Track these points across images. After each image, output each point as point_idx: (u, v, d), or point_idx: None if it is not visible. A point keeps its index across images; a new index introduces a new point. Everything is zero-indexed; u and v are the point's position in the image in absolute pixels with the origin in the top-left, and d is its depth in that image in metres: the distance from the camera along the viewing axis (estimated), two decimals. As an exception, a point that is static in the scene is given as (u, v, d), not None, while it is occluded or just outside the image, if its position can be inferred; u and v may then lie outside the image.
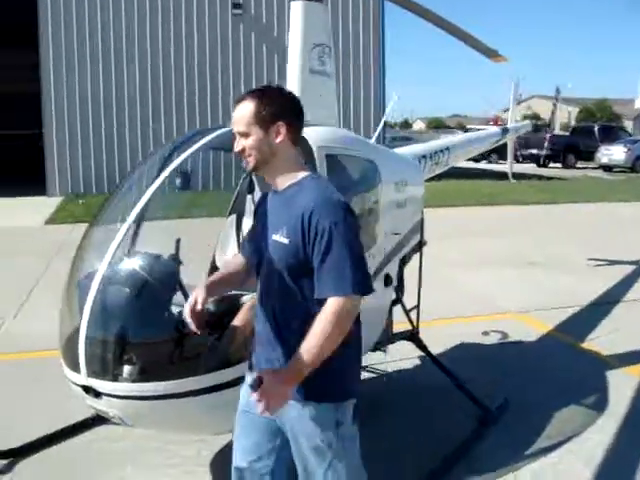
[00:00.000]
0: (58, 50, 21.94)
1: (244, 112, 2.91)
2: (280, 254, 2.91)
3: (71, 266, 4.38)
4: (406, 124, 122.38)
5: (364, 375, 6.25)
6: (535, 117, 65.04)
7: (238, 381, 3.91)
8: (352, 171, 4.94)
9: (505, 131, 9.28)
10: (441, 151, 7.07)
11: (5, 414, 5.65)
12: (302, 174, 2.99)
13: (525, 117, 59.91)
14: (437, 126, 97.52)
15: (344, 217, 2.81)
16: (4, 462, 4.87)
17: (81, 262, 4.32)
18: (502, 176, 24.46)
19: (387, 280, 5.09)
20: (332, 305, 2.77)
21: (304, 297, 2.92)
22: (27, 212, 17.56)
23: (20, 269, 10.90)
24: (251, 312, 4.26)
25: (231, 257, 3.97)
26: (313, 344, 2.75)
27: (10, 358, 6.98)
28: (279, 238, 2.91)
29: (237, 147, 2.96)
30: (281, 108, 2.93)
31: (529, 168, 33.55)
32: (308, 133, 4.46)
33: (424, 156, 6.67)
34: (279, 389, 2.72)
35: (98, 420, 5.04)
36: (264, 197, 3.25)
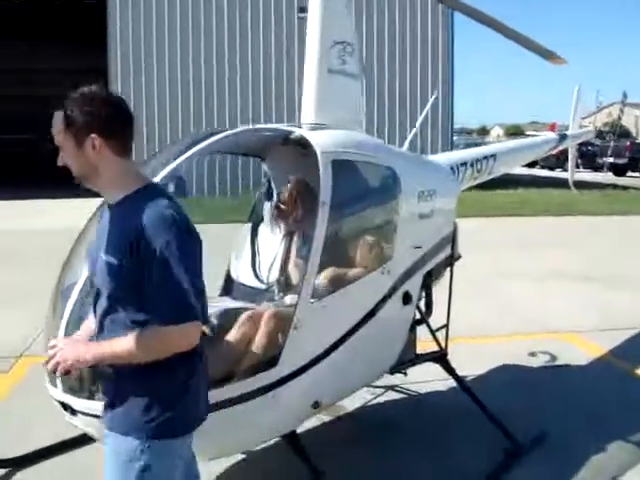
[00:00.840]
0: (126, 55, 22.27)
1: (56, 122, 2.58)
2: (108, 276, 2.57)
3: (60, 272, 4.16)
4: (484, 131, 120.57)
5: (391, 396, 5.94)
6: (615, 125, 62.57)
7: (229, 402, 3.62)
8: (365, 179, 4.56)
9: (563, 138, 8.68)
10: (485, 158, 6.56)
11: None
12: (135, 186, 2.62)
13: (605, 124, 57.96)
14: (515, 133, 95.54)
15: (178, 235, 2.48)
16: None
17: (68, 269, 4.09)
18: (576, 185, 23.60)
19: (406, 298, 4.67)
20: (159, 330, 2.49)
21: (134, 323, 2.56)
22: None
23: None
24: (247, 326, 3.97)
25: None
26: (124, 346, 2.52)
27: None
28: (108, 258, 2.55)
29: (59, 160, 2.64)
30: (95, 118, 2.54)
31: (605, 177, 32.23)
32: (313, 138, 4.13)
33: (464, 163, 6.19)
34: (72, 349, 2.60)
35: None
36: (102, 210, 2.91)
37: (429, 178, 5.15)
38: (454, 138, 36.21)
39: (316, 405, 4.01)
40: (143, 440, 2.57)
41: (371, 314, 4.30)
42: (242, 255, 5.27)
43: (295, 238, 4.79)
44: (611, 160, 36.03)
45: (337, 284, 4.12)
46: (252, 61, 23.07)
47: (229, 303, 4.77)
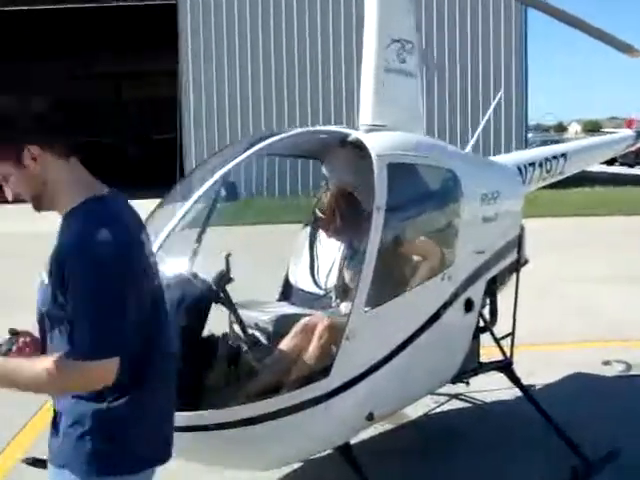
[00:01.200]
0: (197, 58, 22.60)
1: None
2: (42, 297, 2.32)
3: None
4: (560, 127, 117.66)
5: (455, 405, 5.75)
6: None
7: (281, 413, 3.54)
8: (423, 182, 4.40)
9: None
10: (555, 158, 6.27)
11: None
12: (81, 197, 2.30)
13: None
14: (593, 129, 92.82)
15: (98, 262, 2.14)
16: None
17: None
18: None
19: (468, 305, 4.49)
20: (65, 363, 2.18)
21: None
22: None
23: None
24: (300, 337, 3.89)
25: None
26: (25, 372, 2.23)
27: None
28: (41, 274, 2.30)
29: (8, 196, 2.32)
30: (23, 128, 2.24)
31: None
32: (368, 140, 4.01)
33: (532, 164, 5.93)
34: None
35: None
36: None
37: (492, 180, 4.94)
38: (530, 135, 35.41)
39: (370, 417, 3.87)
40: (77, 475, 2.30)
41: (430, 322, 4.14)
42: (301, 260, 5.19)
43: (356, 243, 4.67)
44: None
45: (393, 292, 3.98)
46: (322, 59, 23.03)
47: (287, 309, 4.72)
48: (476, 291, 4.62)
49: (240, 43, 22.89)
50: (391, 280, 4.05)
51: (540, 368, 6.32)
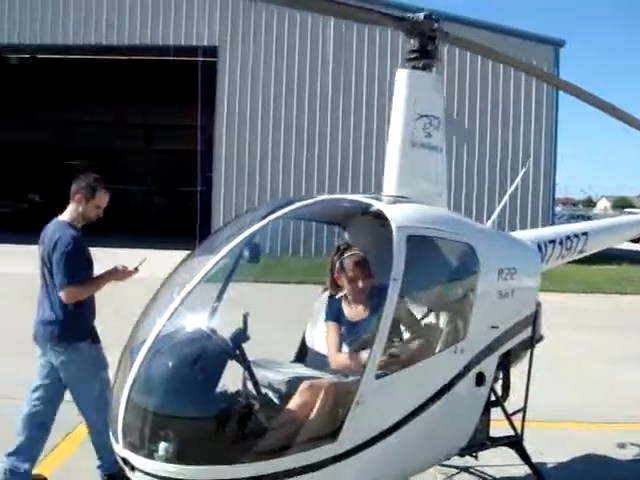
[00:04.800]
0: (232, 114, 23.15)
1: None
2: None
3: (133, 328, 4.28)
4: (589, 202, 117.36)
5: (463, 478, 5.72)
6: None
7: (285, 474, 3.58)
8: (441, 255, 4.49)
9: (668, 217, 8.29)
10: (576, 236, 6.35)
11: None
12: None
13: None
14: (623, 205, 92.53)
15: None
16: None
17: (141, 326, 4.21)
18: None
19: (479, 379, 4.53)
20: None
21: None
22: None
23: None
24: (306, 396, 3.93)
25: None
26: None
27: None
28: None
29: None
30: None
31: None
32: (390, 211, 4.13)
33: (552, 241, 6.01)
34: None
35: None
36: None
37: (510, 256, 5.02)
38: (558, 209, 35.32)
39: None
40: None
41: (440, 394, 4.17)
42: (318, 323, 5.26)
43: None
44: None
45: (404, 361, 4.04)
46: (342, 131, 23.42)
47: (301, 370, 4.75)
48: (488, 365, 4.65)
49: (275, 105, 23.39)
50: (403, 350, 4.10)
51: (554, 446, 6.27)
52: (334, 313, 4.67)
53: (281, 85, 23.34)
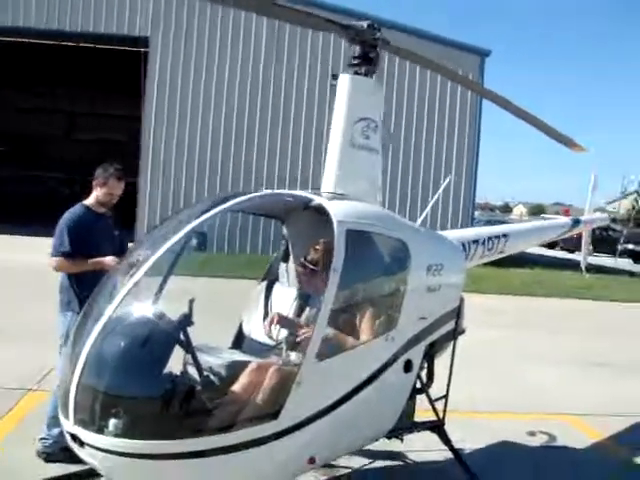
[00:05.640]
0: (161, 105, 23.03)
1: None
2: None
3: (84, 308, 4.44)
4: (506, 208, 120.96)
5: (388, 462, 6.05)
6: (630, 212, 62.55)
7: (228, 449, 3.81)
8: (377, 249, 4.80)
9: (576, 222, 8.89)
10: (497, 237, 6.78)
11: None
12: None
13: (630, 210, 58.36)
14: (538, 212, 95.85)
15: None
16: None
17: (92, 306, 4.37)
18: (592, 270, 23.59)
19: (407, 366, 4.86)
20: None
21: None
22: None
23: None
24: (251, 377, 4.17)
25: None
26: None
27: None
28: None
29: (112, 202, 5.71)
30: None
31: (625, 263, 32.25)
32: (332, 207, 4.39)
33: (475, 241, 6.42)
34: None
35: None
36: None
37: (439, 253, 5.37)
38: (477, 213, 36.40)
39: (312, 461, 4.18)
40: None
41: (372, 378, 4.48)
42: (255, 311, 5.50)
43: (309, 299, 5.02)
44: (630, 247, 36.06)
45: (341, 347, 4.33)
46: (283, 121, 23.63)
47: (236, 356, 4.97)
48: (416, 354, 4.99)
49: (205, 96, 23.37)
50: (341, 336, 4.38)
51: (471, 432, 6.68)
52: None
53: (212, 76, 23.30)
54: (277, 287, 5.54)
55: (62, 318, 5.69)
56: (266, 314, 5.39)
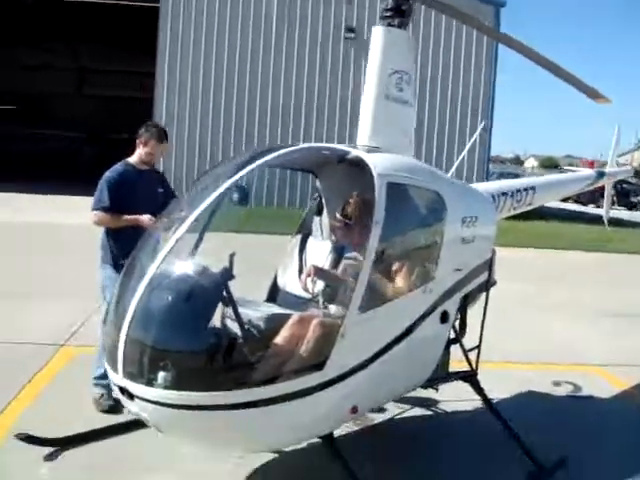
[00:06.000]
0: (173, 61, 22.85)
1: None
2: None
3: (126, 265, 4.50)
4: (517, 161, 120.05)
5: (418, 412, 6.17)
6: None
7: (274, 400, 3.89)
8: (415, 202, 4.82)
9: (601, 175, 8.84)
10: (525, 190, 6.80)
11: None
12: None
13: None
14: (549, 165, 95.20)
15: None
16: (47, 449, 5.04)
17: (133, 264, 4.42)
18: (609, 222, 23.48)
19: (444, 317, 4.92)
20: None
21: None
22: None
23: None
24: (293, 329, 4.24)
25: None
26: None
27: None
28: None
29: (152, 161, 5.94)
30: None
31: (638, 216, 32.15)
32: (371, 160, 4.41)
33: (504, 193, 6.43)
34: None
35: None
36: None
37: (472, 205, 5.39)
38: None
39: (354, 410, 4.27)
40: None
41: (411, 329, 4.55)
42: (290, 265, 5.55)
43: (344, 252, 5.06)
44: (640, 199, 35.91)
45: (382, 299, 4.38)
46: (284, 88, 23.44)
47: (275, 309, 5.05)
48: (451, 305, 5.05)
49: (217, 52, 23.16)
50: (382, 288, 4.44)
51: (496, 383, 6.77)
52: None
53: (224, 34, 23.08)
54: (311, 241, 5.58)
55: (101, 271, 5.89)
56: (301, 268, 5.45)
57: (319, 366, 3.98)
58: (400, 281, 4.55)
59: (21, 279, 10.37)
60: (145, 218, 5.56)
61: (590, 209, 35.09)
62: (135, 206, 5.66)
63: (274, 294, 5.59)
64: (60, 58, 35.35)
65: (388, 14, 5.09)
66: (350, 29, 23.10)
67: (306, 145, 4.93)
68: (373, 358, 4.26)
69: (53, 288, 9.90)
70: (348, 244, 4.93)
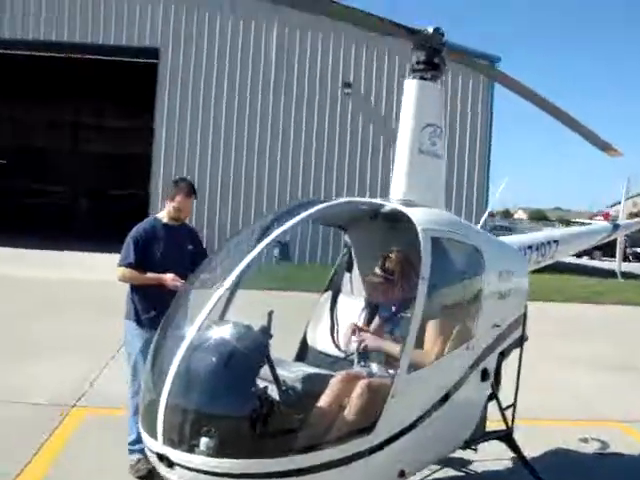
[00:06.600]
0: (172, 118, 22.93)
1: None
2: None
3: (161, 327, 4.33)
4: (507, 213, 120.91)
5: (452, 473, 5.95)
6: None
7: (325, 467, 3.70)
8: (456, 257, 4.72)
9: (616, 227, 8.82)
10: (549, 243, 6.73)
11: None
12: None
13: (631, 215, 58.21)
14: (539, 218, 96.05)
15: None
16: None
17: (171, 325, 4.27)
18: (606, 274, 23.45)
19: (484, 375, 4.78)
20: None
21: None
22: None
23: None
24: (337, 390, 4.07)
25: None
26: None
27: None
28: None
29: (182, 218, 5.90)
30: None
31: (636, 267, 32.16)
32: (414, 214, 4.32)
33: (530, 247, 6.36)
34: None
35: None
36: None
37: (507, 259, 5.31)
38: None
39: (402, 474, 4.09)
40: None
41: (456, 388, 4.41)
42: (320, 323, 5.40)
43: (380, 309, 4.93)
44: (638, 250, 36.04)
45: (429, 358, 4.24)
46: (294, 132, 23.55)
47: (306, 369, 4.86)
48: (490, 362, 4.91)
49: (216, 109, 23.29)
50: (430, 346, 4.29)
51: (523, 442, 6.59)
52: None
53: (222, 89, 23.26)
54: (342, 298, 5.45)
55: (124, 326, 5.82)
56: (333, 326, 5.31)
57: (368, 429, 3.81)
58: (445, 338, 4.42)
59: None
60: (168, 278, 5.45)
61: (585, 261, 35.21)
62: (163, 263, 5.56)
63: (303, 353, 5.44)
64: (58, 114, 35.52)
65: (420, 67, 5.05)
66: (347, 84, 23.38)
67: (343, 199, 4.84)
68: (420, 419, 4.11)
69: (49, 345, 9.67)
70: (388, 300, 4.79)
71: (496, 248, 5.22)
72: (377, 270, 4.70)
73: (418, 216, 4.32)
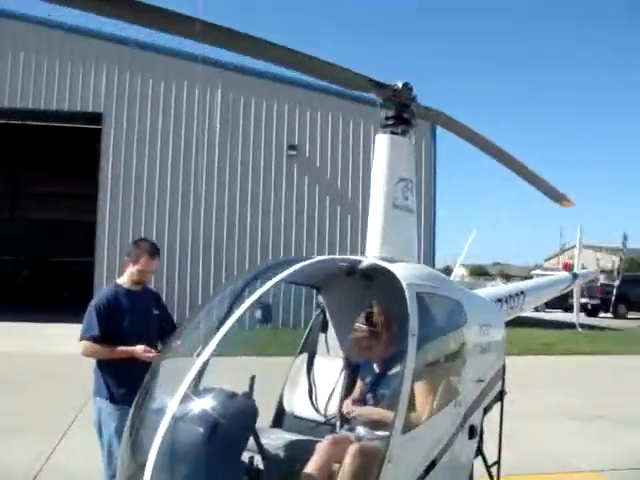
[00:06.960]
0: (116, 187, 22.59)
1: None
2: None
3: (135, 402, 4.07)
4: (448, 270, 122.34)
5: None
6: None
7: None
8: (441, 311, 4.62)
9: (575, 277, 8.92)
10: (517, 295, 6.73)
11: None
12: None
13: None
14: (479, 273, 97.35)
15: None
16: None
17: (150, 399, 4.01)
18: (550, 325, 23.75)
19: (472, 432, 4.63)
20: None
21: None
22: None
23: (62, 398, 10.57)
24: (325, 455, 3.88)
25: None
26: None
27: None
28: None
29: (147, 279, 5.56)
30: None
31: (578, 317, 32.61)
32: (397, 270, 4.22)
33: (499, 299, 6.33)
34: None
35: None
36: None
37: (486, 312, 5.25)
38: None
39: None
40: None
41: (447, 447, 4.25)
42: (297, 387, 5.21)
43: (361, 368, 4.77)
44: (583, 301, 36.68)
45: (422, 417, 4.08)
46: (229, 196, 23.48)
47: (287, 435, 4.66)
48: (476, 418, 4.78)
49: (161, 176, 23.04)
50: (421, 404, 4.14)
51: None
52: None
53: (167, 154, 23.07)
54: (318, 359, 5.28)
55: (94, 404, 5.37)
56: (310, 389, 5.12)
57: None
58: (435, 396, 4.27)
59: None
60: (139, 350, 5.11)
61: (536, 313, 35.55)
62: (130, 333, 5.21)
63: (280, 418, 5.22)
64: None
65: (391, 122, 5.03)
66: (292, 146, 23.51)
67: (319, 257, 4.71)
68: (417, 481, 3.92)
69: None
70: (372, 356, 4.63)
71: (476, 302, 5.16)
72: (360, 324, 4.56)
73: (401, 272, 4.21)
